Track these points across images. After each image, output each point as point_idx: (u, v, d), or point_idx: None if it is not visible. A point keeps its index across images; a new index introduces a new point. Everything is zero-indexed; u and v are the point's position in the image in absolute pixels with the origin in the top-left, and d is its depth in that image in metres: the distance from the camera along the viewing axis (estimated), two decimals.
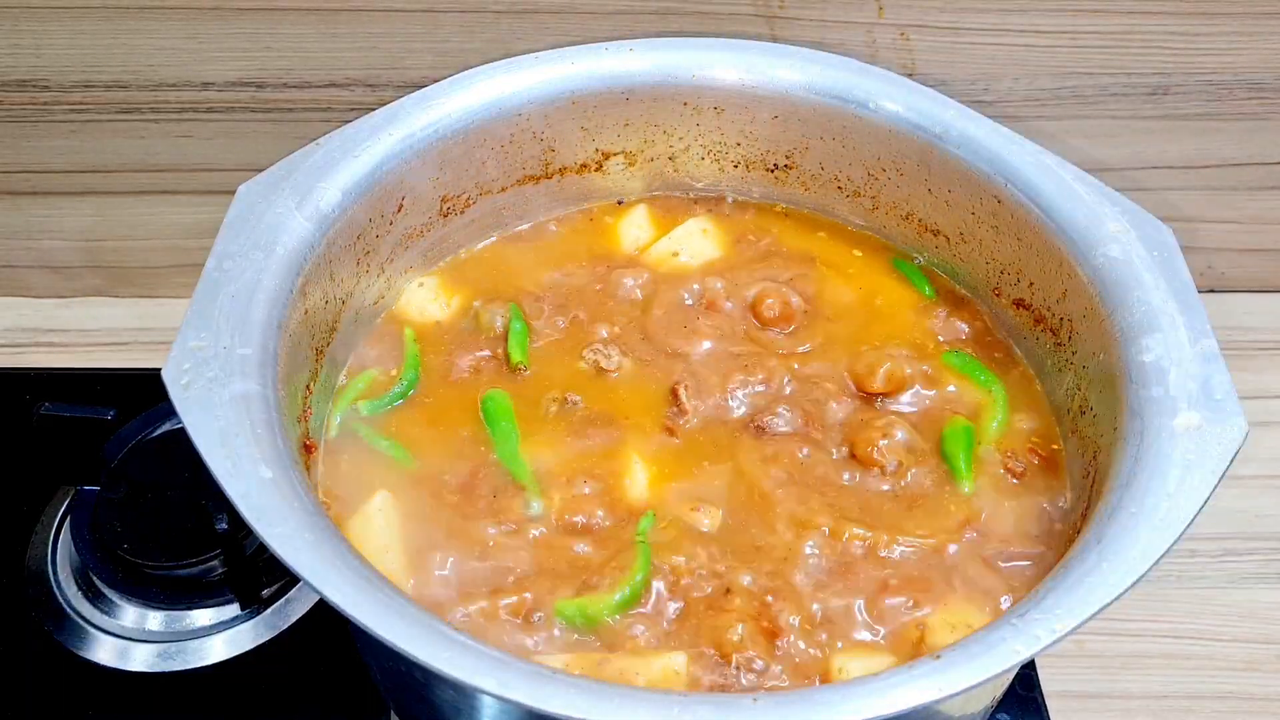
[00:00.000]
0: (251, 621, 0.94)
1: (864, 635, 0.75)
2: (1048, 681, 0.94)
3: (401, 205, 0.88)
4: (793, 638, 0.74)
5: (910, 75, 0.95)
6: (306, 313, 0.80)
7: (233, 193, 0.81)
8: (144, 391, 0.89)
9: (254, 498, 0.66)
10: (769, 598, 0.76)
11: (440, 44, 1.04)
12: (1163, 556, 0.66)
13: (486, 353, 0.89)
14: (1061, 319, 0.85)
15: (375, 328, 0.90)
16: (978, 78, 1.07)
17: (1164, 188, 1.15)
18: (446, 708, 0.76)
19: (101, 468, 0.96)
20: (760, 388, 0.87)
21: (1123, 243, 0.81)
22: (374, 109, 0.87)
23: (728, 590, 0.76)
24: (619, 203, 1.00)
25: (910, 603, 0.76)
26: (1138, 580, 0.65)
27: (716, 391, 0.86)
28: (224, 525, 0.89)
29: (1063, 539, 0.79)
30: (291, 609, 0.95)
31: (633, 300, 0.92)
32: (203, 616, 0.93)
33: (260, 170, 0.82)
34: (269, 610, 0.95)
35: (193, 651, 0.92)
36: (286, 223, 0.80)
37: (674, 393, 0.85)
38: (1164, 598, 1.02)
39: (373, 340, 0.89)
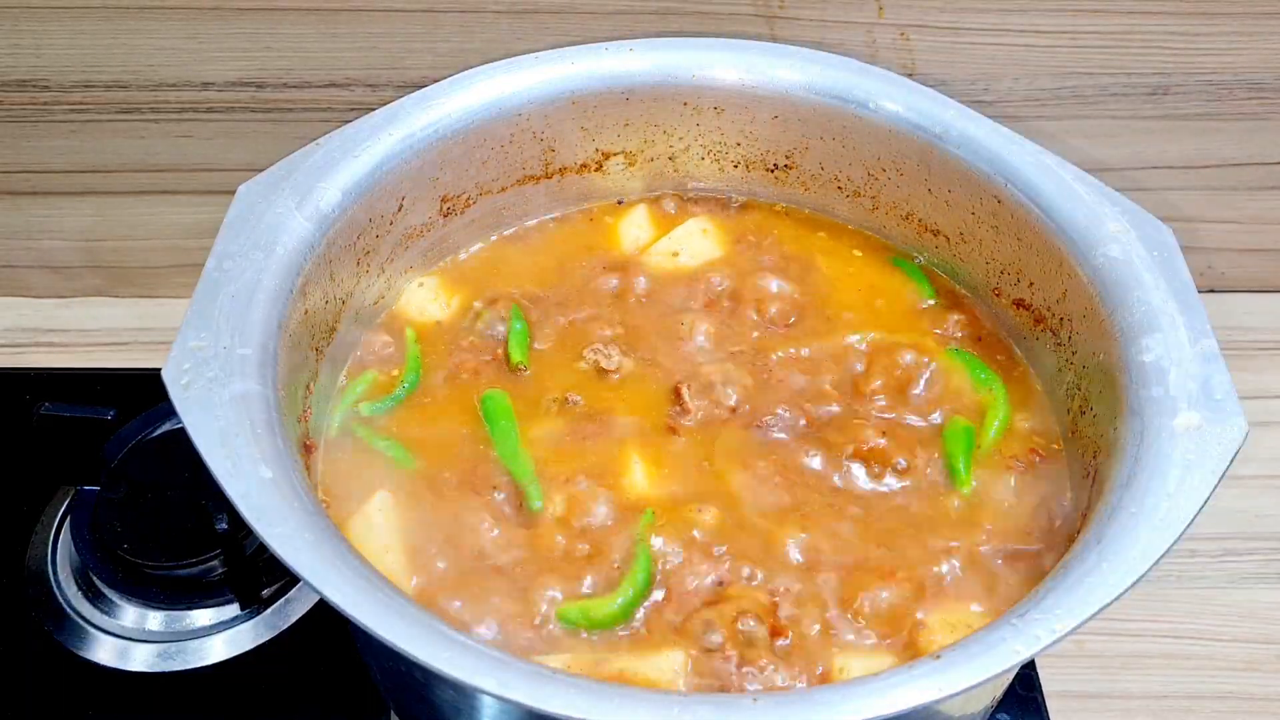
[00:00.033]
0: (251, 621, 0.94)
1: (864, 635, 0.75)
2: (1048, 681, 0.94)
3: (401, 205, 0.88)
4: (792, 637, 0.74)
5: (910, 75, 0.95)
6: (306, 313, 0.80)
7: (233, 193, 0.81)
8: (144, 391, 0.89)
9: (254, 498, 0.66)
10: (769, 597, 0.76)
11: (440, 44, 1.04)
12: (1163, 556, 0.66)
13: (487, 353, 0.89)
14: (1061, 319, 0.85)
15: (375, 328, 0.90)
16: (978, 78, 1.07)
17: (1164, 188, 1.15)
18: (446, 708, 0.76)
19: (101, 468, 0.96)
20: (760, 388, 0.87)
21: (1123, 243, 0.81)
22: (374, 109, 0.87)
23: (728, 590, 0.76)
24: (619, 203, 1.00)
25: (910, 603, 0.75)
26: (1138, 580, 0.65)
27: (716, 391, 0.86)
28: (224, 525, 0.89)
29: (1062, 539, 0.79)
30: (291, 609, 0.95)
31: (633, 300, 0.92)
32: (203, 616, 0.94)
33: (260, 170, 0.82)
34: (269, 610, 0.95)
35: (193, 651, 0.92)
36: (286, 223, 0.80)
37: (677, 392, 0.85)
38: (1164, 598, 1.02)
39: (373, 340, 0.89)
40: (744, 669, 0.72)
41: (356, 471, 0.81)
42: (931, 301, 0.93)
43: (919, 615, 0.75)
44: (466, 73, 0.90)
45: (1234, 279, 1.24)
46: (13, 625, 0.94)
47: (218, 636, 0.93)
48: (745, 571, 0.77)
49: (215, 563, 0.93)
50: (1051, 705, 0.93)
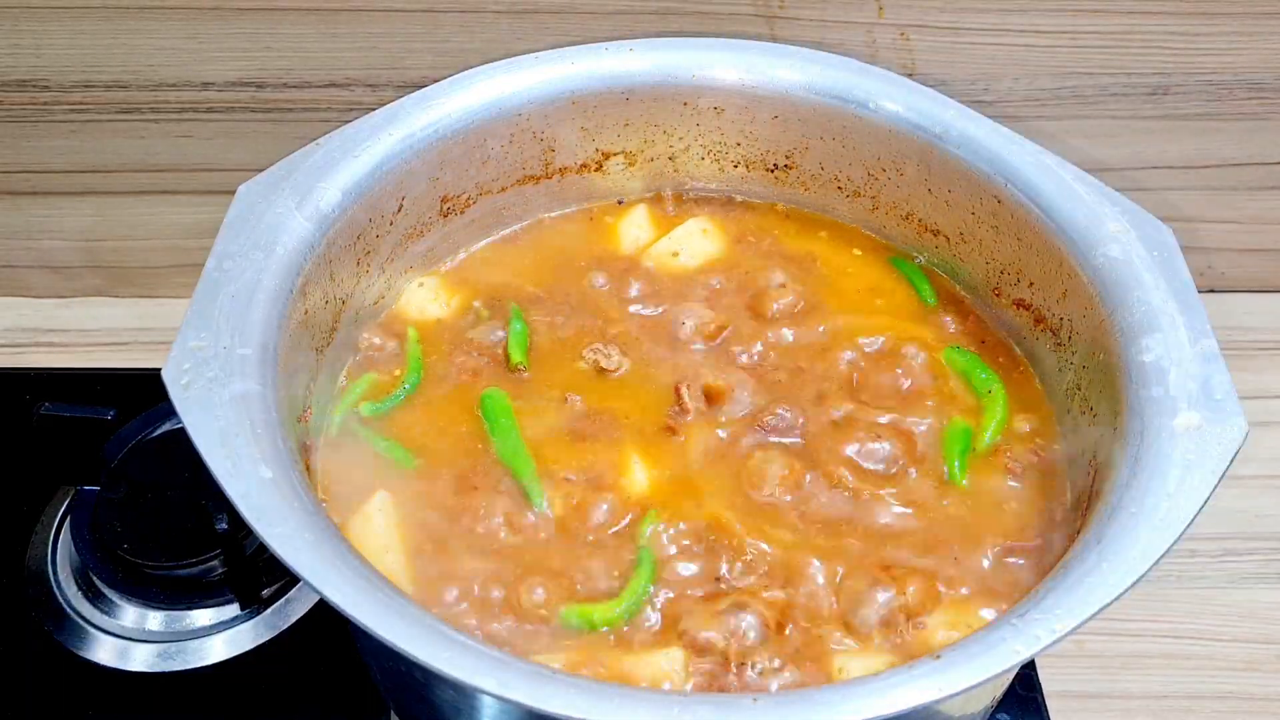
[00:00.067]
0: (251, 621, 0.94)
1: (864, 635, 0.75)
2: (1048, 681, 0.94)
3: (401, 205, 0.88)
4: (792, 637, 0.74)
5: (910, 75, 0.95)
6: (306, 313, 0.80)
7: (233, 193, 0.81)
8: (144, 391, 0.89)
9: (254, 498, 0.66)
10: (769, 597, 0.76)
11: (440, 44, 1.04)
12: (1163, 556, 0.66)
13: (486, 353, 0.89)
14: (1061, 319, 0.85)
15: (375, 328, 0.90)
16: (978, 78, 1.07)
17: (1164, 188, 1.15)
18: (446, 708, 0.76)
19: (101, 468, 0.96)
20: (760, 388, 0.87)
21: (1123, 243, 0.81)
22: (374, 109, 0.87)
23: (728, 589, 0.76)
24: (619, 203, 1.00)
25: (910, 603, 0.75)
26: (1138, 580, 0.65)
27: (716, 391, 0.86)
28: (224, 525, 0.89)
29: (1062, 539, 0.79)
30: (291, 609, 0.95)
31: (633, 300, 0.92)
32: (203, 616, 0.94)
33: (260, 170, 0.82)
34: (269, 610, 0.95)
35: (193, 651, 0.92)
36: (286, 223, 0.80)
37: (677, 392, 0.85)
38: (1164, 598, 1.02)
39: (373, 341, 0.89)
40: (743, 669, 0.72)
41: (356, 471, 0.81)
42: (931, 302, 0.93)
43: (919, 615, 0.75)
44: (466, 73, 0.90)
45: (1234, 279, 1.24)
46: (13, 625, 0.94)
47: (218, 636, 0.93)
48: (745, 571, 0.77)
49: (215, 563, 0.93)
50: (1051, 705, 0.93)
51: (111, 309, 1.21)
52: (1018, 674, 0.92)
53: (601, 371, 0.87)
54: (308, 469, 0.78)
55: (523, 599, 0.75)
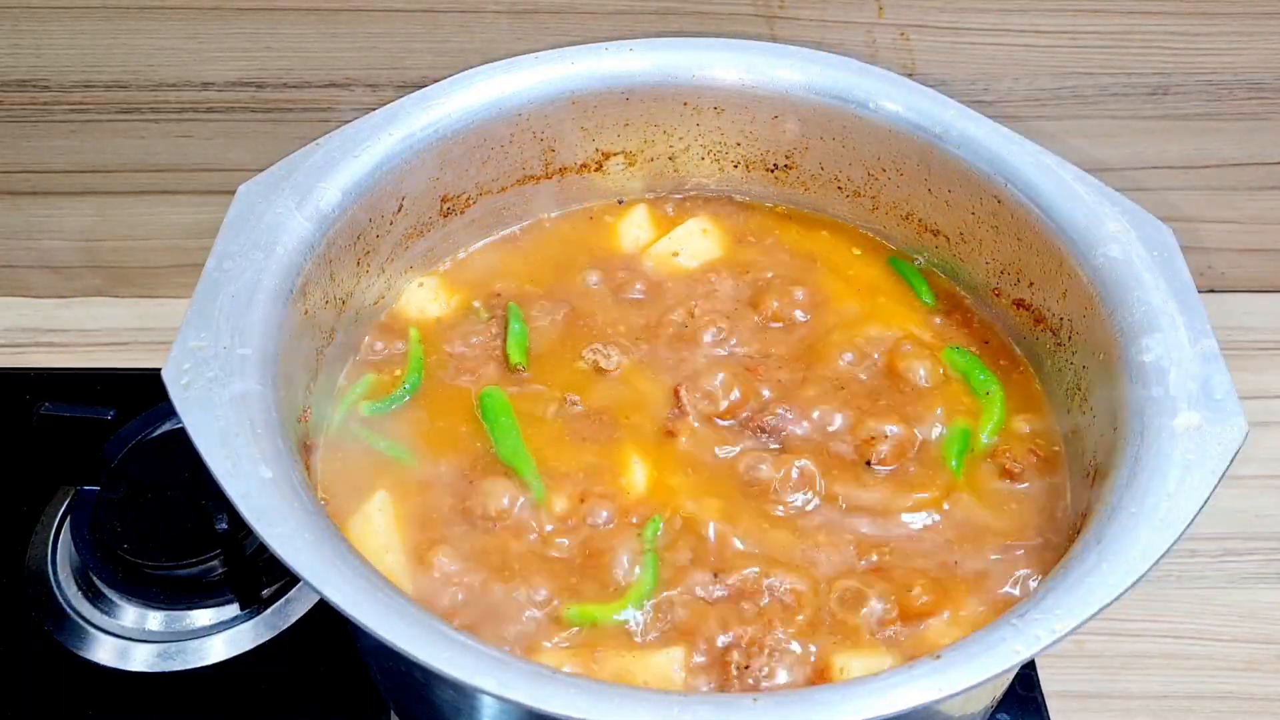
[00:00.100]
0: (251, 621, 0.94)
1: (864, 635, 0.75)
2: (1048, 681, 0.94)
3: (401, 205, 0.88)
4: (793, 636, 0.74)
5: (910, 75, 0.95)
6: (306, 313, 0.80)
7: (233, 193, 0.81)
8: (144, 391, 0.89)
9: (254, 498, 0.66)
10: (768, 597, 0.76)
11: (440, 44, 1.04)
12: (1163, 556, 0.66)
13: (486, 353, 0.89)
14: (1061, 319, 0.85)
15: (375, 328, 0.90)
16: (978, 78, 1.07)
17: (1164, 188, 1.15)
18: (446, 708, 0.76)
19: (101, 468, 0.96)
20: (760, 387, 0.87)
21: (1123, 243, 0.81)
22: (374, 109, 0.87)
23: (728, 589, 0.76)
24: (619, 202, 1.00)
25: (910, 603, 0.75)
26: (1138, 580, 0.65)
27: (716, 391, 0.86)
28: (224, 525, 0.89)
29: (1062, 539, 0.79)
30: (291, 609, 0.95)
31: (633, 300, 0.92)
32: (203, 616, 0.94)
33: (260, 170, 0.82)
34: (269, 610, 0.95)
35: (193, 651, 0.92)
36: (286, 223, 0.80)
37: (676, 393, 0.85)
38: (1164, 598, 1.02)
39: (373, 341, 0.89)
40: (744, 669, 0.72)
41: (356, 471, 0.81)
42: (931, 302, 0.93)
43: (918, 616, 0.75)
44: (466, 73, 0.90)
45: (1234, 279, 1.24)
46: (13, 625, 0.94)
47: (218, 636, 0.93)
48: (745, 571, 0.77)
49: (215, 563, 0.93)
50: (1051, 705, 0.93)
51: (111, 309, 1.21)
52: (1018, 674, 0.92)
53: (601, 372, 0.87)
54: (308, 469, 0.78)
55: (523, 598, 0.75)
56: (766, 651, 0.73)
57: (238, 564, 0.92)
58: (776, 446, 0.83)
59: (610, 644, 0.73)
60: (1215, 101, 1.10)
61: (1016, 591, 0.77)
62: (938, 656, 0.63)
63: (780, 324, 0.91)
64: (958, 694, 0.61)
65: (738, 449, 0.83)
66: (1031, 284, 0.88)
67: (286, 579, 0.96)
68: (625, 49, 0.93)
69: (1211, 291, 1.24)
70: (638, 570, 0.76)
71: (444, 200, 0.92)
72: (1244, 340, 1.21)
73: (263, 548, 0.67)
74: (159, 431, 0.98)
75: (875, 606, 0.75)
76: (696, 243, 0.96)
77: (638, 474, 0.81)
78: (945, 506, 0.81)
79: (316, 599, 0.94)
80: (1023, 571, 0.78)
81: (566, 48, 0.92)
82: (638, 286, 0.93)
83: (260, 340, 0.74)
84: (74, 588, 0.95)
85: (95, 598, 0.94)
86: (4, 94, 1.07)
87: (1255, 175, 1.16)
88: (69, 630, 0.93)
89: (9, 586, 0.96)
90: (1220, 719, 0.96)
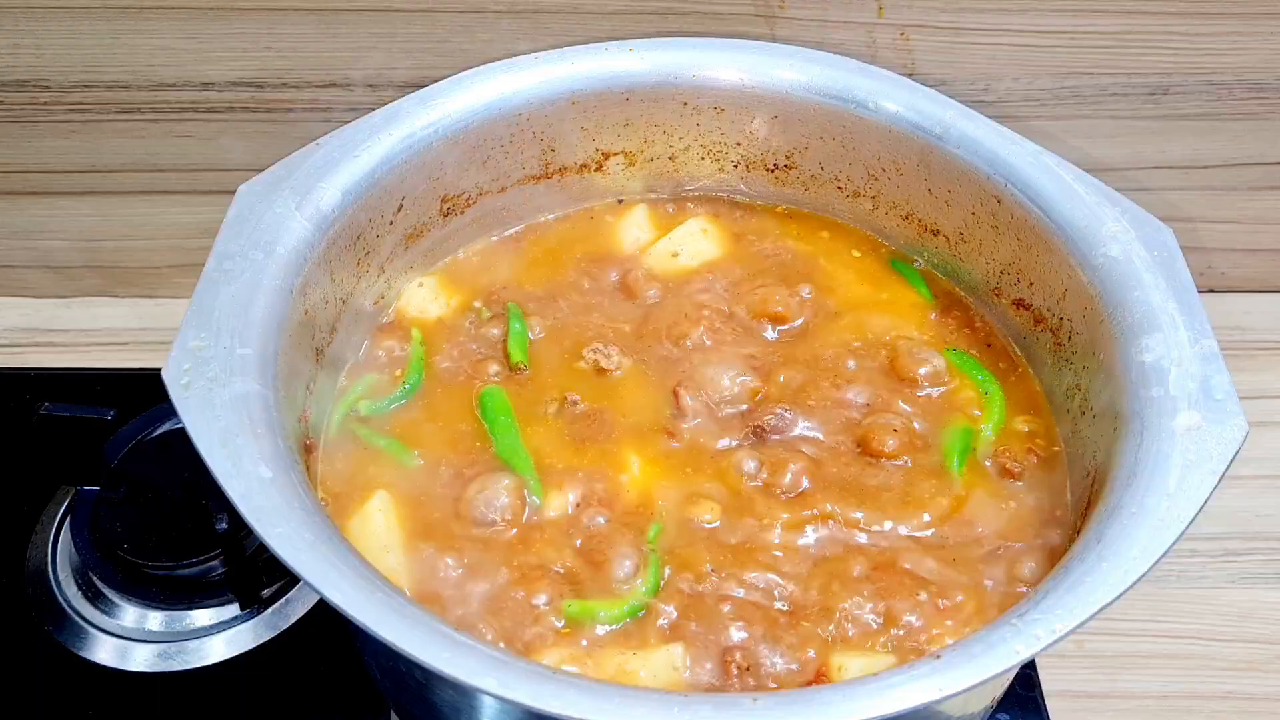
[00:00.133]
0: (251, 621, 0.94)
1: (864, 635, 0.75)
2: (1048, 681, 0.94)
3: (401, 205, 0.88)
4: (793, 636, 0.74)
5: (910, 75, 0.95)
6: (306, 313, 0.80)
7: (233, 193, 0.81)
8: (144, 391, 0.89)
9: (254, 498, 0.66)
10: (768, 597, 0.76)
11: (440, 44, 1.04)
12: (1163, 556, 0.66)
13: (486, 353, 0.89)
14: (1061, 319, 0.85)
15: (375, 328, 0.90)
16: (978, 78, 1.07)
17: (1164, 188, 1.15)
18: (446, 708, 0.76)
19: (101, 468, 0.96)
20: (760, 387, 0.87)
21: (1123, 243, 0.81)
22: (374, 109, 0.87)
23: (728, 589, 0.76)
24: (619, 202, 1.00)
25: (910, 602, 0.75)
26: (1138, 580, 0.65)
27: (716, 392, 0.86)
28: (224, 525, 0.89)
29: (1062, 539, 0.79)
30: (291, 609, 0.95)
31: (632, 300, 0.92)
32: (203, 616, 0.94)
33: (260, 170, 0.82)
34: (269, 610, 0.95)
35: (193, 651, 0.92)
36: (286, 223, 0.80)
37: (675, 393, 0.85)
38: (1164, 598, 1.02)
39: (373, 340, 0.89)
40: (744, 669, 0.72)
41: (356, 471, 0.81)
42: (930, 303, 0.93)
43: (919, 616, 0.75)
44: (466, 73, 0.90)
45: (1234, 279, 1.24)
46: (13, 625, 0.94)
47: (218, 636, 0.93)
48: (744, 571, 0.77)
49: (215, 563, 0.93)
50: (1051, 705, 0.93)
51: (111, 309, 1.21)
52: (1018, 674, 0.92)
53: (601, 371, 0.87)
54: (308, 469, 0.78)
55: (523, 597, 0.75)
56: (767, 651, 0.73)
57: (238, 564, 0.92)
58: (776, 446, 0.83)
59: (610, 643, 0.74)
60: (1215, 101, 1.10)
61: (1016, 591, 0.77)
62: (938, 656, 0.63)
63: (780, 324, 0.91)
64: (958, 694, 0.61)
65: (737, 449, 0.83)
66: (1031, 284, 0.88)
67: (286, 579, 0.96)
68: (625, 49, 0.93)
69: (1211, 291, 1.24)
70: (638, 570, 0.76)
71: (444, 200, 0.92)
72: (1244, 340, 1.21)
73: (263, 548, 0.67)
74: (159, 431, 0.98)
75: (876, 606, 0.75)
76: (696, 243, 0.96)
77: (638, 473, 0.81)
78: (945, 505, 0.81)
79: (316, 599, 0.94)
80: (1022, 571, 0.78)
81: (567, 48, 0.92)
82: (638, 286, 0.93)
83: (260, 340, 0.74)
84: (74, 588, 0.95)
85: (95, 598, 0.94)
86: (4, 94, 1.07)
87: (1255, 175, 1.16)
88: (69, 630, 0.93)
89: (9, 586, 0.96)
90: (1220, 719, 0.96)
